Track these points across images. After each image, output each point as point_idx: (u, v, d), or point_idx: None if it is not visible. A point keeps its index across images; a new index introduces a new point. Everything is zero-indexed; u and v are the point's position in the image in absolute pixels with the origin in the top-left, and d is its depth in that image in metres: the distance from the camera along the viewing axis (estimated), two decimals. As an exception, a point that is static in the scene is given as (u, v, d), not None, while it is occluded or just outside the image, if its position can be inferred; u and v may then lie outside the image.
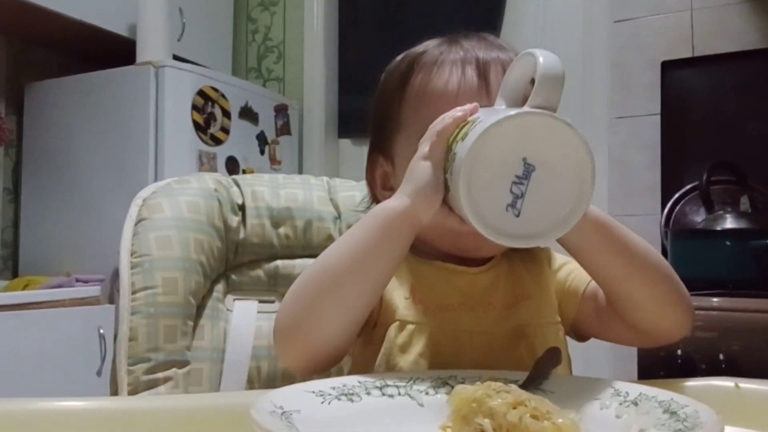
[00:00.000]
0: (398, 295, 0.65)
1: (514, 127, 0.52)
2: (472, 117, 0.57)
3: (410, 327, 0.63)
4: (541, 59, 0.54)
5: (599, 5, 2.19)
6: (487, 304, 0.66)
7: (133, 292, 0.75)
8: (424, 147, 0.59)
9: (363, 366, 0.64)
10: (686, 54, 2.03)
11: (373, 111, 0.74)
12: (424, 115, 0.64)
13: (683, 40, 2.05)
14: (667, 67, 2.02)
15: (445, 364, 0.61)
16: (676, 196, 1.90)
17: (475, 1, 2.44)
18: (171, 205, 0.82)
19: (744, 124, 1.89)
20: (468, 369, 0.57)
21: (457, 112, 0.59)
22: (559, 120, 0.52)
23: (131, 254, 0.77)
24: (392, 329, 0.63)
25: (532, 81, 0.55)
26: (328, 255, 0.59)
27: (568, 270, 0.71)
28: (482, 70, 0.66)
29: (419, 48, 0.71)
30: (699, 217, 1.79)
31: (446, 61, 0.67)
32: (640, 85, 2.11)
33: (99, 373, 1.87)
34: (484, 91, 0.65)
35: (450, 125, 0.58)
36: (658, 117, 2.04)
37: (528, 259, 0.70)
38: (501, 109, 0.59)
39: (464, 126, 0.57)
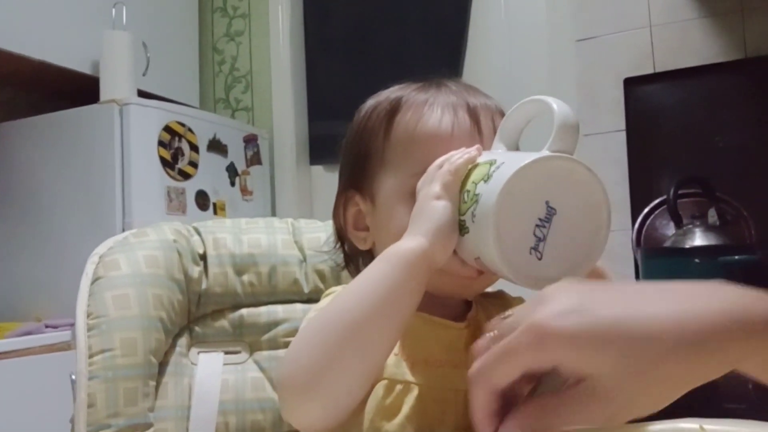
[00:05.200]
0: None
1: (541, 170, 0.52)
2: (487, 158, 0.57)
3: (398, 387, 0.61)
4: (555, 107, 0.55)
5: (562, 25, 2.22)
6: (470, 360, 0.65)
7: (90, 356, 0.72)
8: (434, 187, 0.58)
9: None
10: (648, 70, 2.06)
11: (348, 150, 0.72)
12: (415, 154, 0.64)
13: (644, 57, 2.08)
14: (630, 83, 2.05)
15: (430, 426, 0.58)
16: (646, 210, 1.92)
17: (439, 26, 2.45)
18: (128, 260, 0.80)
19: (709, 136, 1.92)
20: (450, 430, 0.55)
21: (466, 153, 0.59)
22: (582, 164, 0.53)
23: (87, 315, 0.75)
24: (380, 387, 0.60)
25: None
26: (343, 302, 0.56)
27: None
28: (473, 114, 0.66)
29: (396, 89, 0.70)
30: (669, 231, 1.80)
31: (437, 102, 0.66)
32: (606, 102, 2.13)
33: (72, 420, 1.82)
34: (477, 135, 0.64)
35: (463, 165, 0.58)
36: (624, 133, 2.06)
37: (503, 310, 0.69)
38: (500, 153, 0.60)
39: (475, 167, 0.57)
